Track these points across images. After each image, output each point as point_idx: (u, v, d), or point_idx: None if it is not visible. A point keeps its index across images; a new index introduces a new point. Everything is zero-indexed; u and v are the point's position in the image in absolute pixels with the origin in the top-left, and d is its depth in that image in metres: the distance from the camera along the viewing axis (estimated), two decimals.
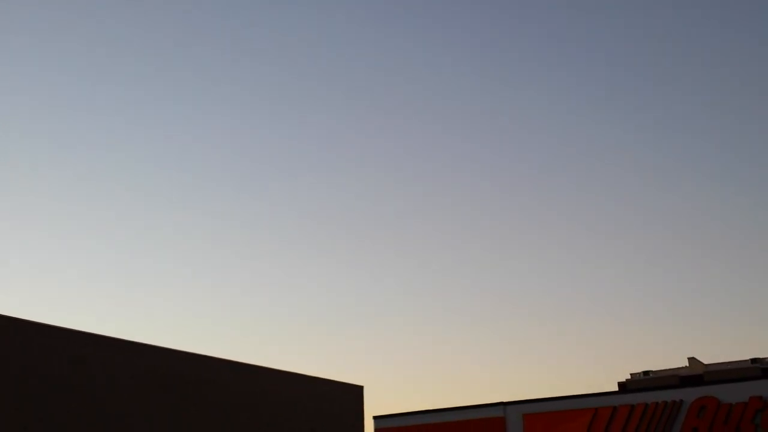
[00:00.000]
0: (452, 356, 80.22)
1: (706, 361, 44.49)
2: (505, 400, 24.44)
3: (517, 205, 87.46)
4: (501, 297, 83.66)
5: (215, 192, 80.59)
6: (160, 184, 77.39)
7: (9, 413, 25.45)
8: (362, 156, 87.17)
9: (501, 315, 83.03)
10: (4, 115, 65.13)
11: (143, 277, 72.18)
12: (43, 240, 68.49)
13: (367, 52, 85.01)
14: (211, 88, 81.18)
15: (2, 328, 25.62)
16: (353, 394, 43.04)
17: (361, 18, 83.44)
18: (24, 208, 69.14)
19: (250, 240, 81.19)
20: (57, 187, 70.45)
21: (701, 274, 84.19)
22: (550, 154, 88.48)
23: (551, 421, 23.39)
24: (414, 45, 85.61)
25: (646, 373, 47.44)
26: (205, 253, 77.34)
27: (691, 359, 45.20)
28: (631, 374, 47.45)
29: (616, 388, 42.00)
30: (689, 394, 21.62)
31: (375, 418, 26.47)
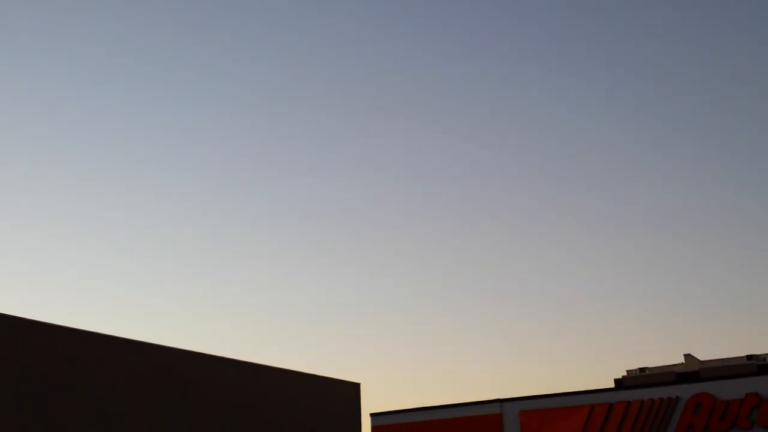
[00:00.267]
0: (449, 354, 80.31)
1: (702, 358, 44.56)
2: (501, 397, 24.49)
3: (515, 204, 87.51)
4: (498, 295, 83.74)
5: (215, 192, 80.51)
6: (160, 184, 77.32)
7: (9, 413, 25.38)
8: (362, 156, 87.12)
9: (498, 313, 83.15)
10: (4, 115, 65.02)
11: (143, 277, 72.13)
12: (43, 240, 68.37)
13: (367, 52, 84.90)
14: (212, 88, 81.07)
15: (2, 327, 25.58)
16: (351, 391, 43.14)
17: (361, 18, 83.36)
18: (24, 208, 69.03)
19: (247, 240, 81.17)
20: (57, 187, 70.35)
21: (697, 272, 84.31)
22: (547, 152, 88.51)
23: (548, 417, 23.45)
24: (414, 45, 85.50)
25: (642, 369, 47.51)
26: (204, 252, 77.29)
27: (687, 356, 45.26)
28: (627, 371, 47.50)
29: (612, 385, 42.12)
30: (685, 391, 21.68)
31: (372, 415, 26.51)
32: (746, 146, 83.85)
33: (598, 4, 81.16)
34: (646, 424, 21.72)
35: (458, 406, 25.11)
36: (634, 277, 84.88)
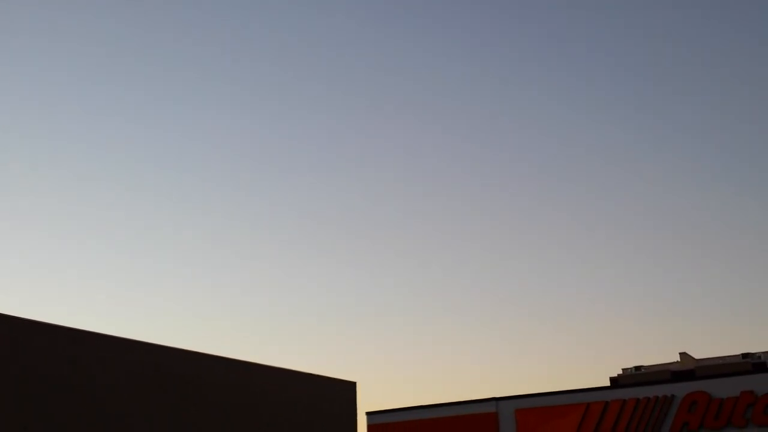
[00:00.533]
0: (445, 353, 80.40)
1: (697, 357, 44.77)
2: (497, 396, 24.54)
3: (512, 204, 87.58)
4: (494, 295, 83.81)
5: (215, 192, 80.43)
6: (160, 184, 77.27)
7: (9, 413, 25.30)
8: (362, 156, 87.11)
9: (494, 312, 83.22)
10: (4, 115, 64.91)
11: (143, 277, 72.15)
12: (43, 240, 68.35)
13: (367, 52, 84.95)
14: (211, 88, 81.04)
15: (2, 327, 25.55)
16: (347, 390, 43.18)
17: (360, 18, 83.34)
18: (24, 208, 68.93)
19: (244, 240, 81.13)
20: (57, 187, 70.28)
21: (692, 271, 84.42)
22: (546, 153, 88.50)
23: (543, 416, 23.49)
24: (414, 45, 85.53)
25: (637, 368, 47.75)
26: (201, 252, 77.25)
27: (683, 354, 45.50)
28: (622, 369, 47.76)
29: (608, 383, 42.14)
30: (680, 389, 21.74)
31: (368, 413, 26.57)
32: (744, 147, 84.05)
33: (599, 5, 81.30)
34: (641, 423, 21.77)
35: (454, 405, 25.14)
36: (629, 277, 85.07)
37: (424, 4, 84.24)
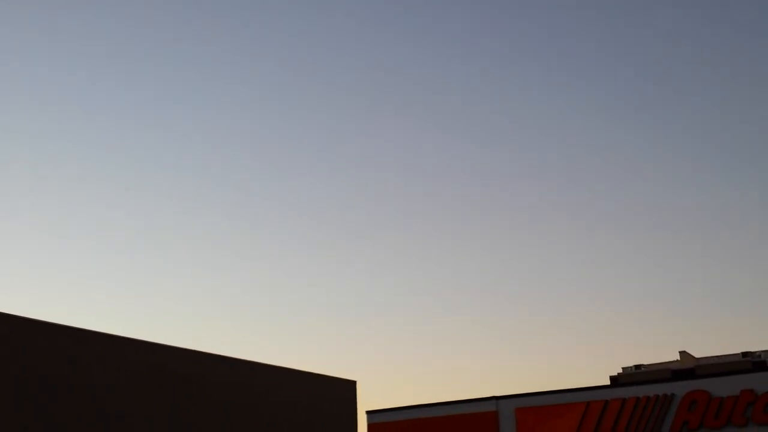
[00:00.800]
0: (445, 351, 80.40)
1: (697, 355, 44.74)
2: (497, 395, 24.54)
3: (512, 204, 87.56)
4: (494, 293, 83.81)
5: (214, 192, 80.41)
6: (160, 184, 77.27)
7: (9, 413, 25.25)
8: (360, 156, 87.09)
9: (494, 311, 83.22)
10: (5, 115, 64.88)
11: (143, 276, 72.15)
12: (44, 239, 68.36)
13: (368, 52, 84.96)
14: (212, 88, 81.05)
15: (2, 326, 25.49)
16: (347, 389, 43.14)
17: (362, 18, 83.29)
18: (24, 208, 68.93)
19: (244, 240, 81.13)
20: (57, 187, 70.29)
21: (692, 270, 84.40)
22: (546, 153, 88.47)
23: (543, 415, 23.48)
24: (415, 46, 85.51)
25: (637, 366, 47.74)
26: (202, 252, 77.25)
27: (683, 353, 45.49)
28: (622, 368, 47.74)
29: (608, 382, 42.11)
30: (680, 388, 21.72)
31: (368, 412, 26.53)
32: (745, 146, 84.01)
33: (599, 4, 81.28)
34: (641, 422, 21.77)
35: (454, 404, 25.14)
36: (629, 276, 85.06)
37: (424, 3, 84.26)
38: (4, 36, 64.09)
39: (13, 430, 24.95)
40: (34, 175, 69.11)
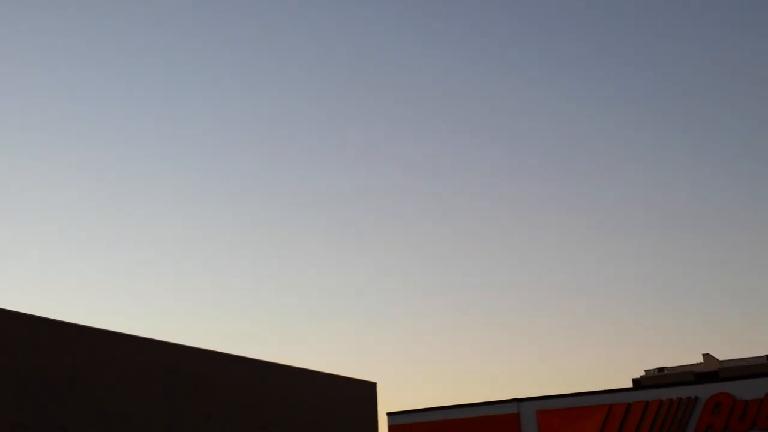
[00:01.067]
0: (466, 353, 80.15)
1: (721, 358, 44.28)
2: (519, 397, 24.39)
3: (530, 204, 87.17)
4: (515, 294, 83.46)
5: (231, 190, 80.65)
6: (178, 182, 77.54)
7: (16, 412, 25.32)
8: (382, 153, 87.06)
9: (515, 312, 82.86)
10: (6, 113, 65.41)
11: (160, 275, 72.46)
12: (55, 238, 68.79)
13: (375, 51, 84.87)
14: (216, 84, 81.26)
15: (15, 324, 25.56)
16: (367, 390, 43.03)
17: (365, 15, 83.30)
18: (38, 206, 69.44)
19: (265, 239, 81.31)
20: (72, 185, 70.72)
21: (716, 271, 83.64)
22: (566, 152, 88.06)
23: (565, 417, 23.32)
24: (424, 45, 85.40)
25: (660, 369, 47.31)
26: (222, 251, 77.48)
27: (706, 356, 45.04)
28: (645, 371, 47.35)
29: (631, 385, 41.72)
30: (704, 391, 21.49)
31: (389, 414, 26.46)
32: (766, 145, 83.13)
33: (604, 4, 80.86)
34: (664, 425, 21.54)
35: (475, 406, 25.01)
36: (652, 278, 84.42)
37: (425, 4, 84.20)
38: (4, 36, 64.56)
39: (16, 429, 25.03)
40: (49, 173, 69.59)
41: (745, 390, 20.94)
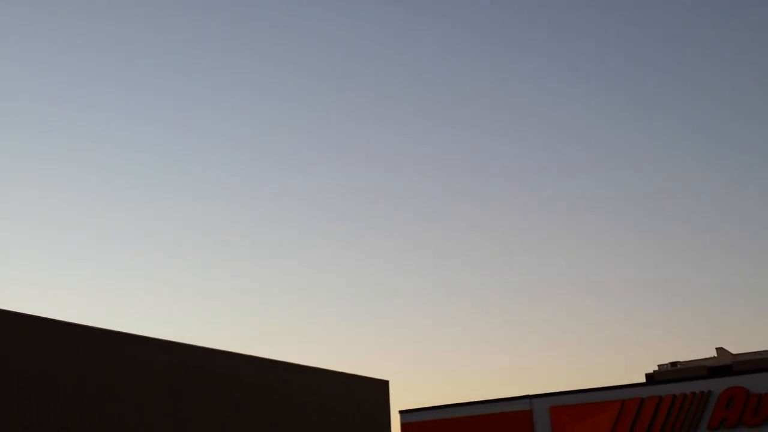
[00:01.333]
0: (477, 350, 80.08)
1: (734, 351, 44.07)
2: (531, 393, 24.34)
3: (539, 198, 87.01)
4: (527, 290, 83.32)
5: (244, 190, 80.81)
6: (195, 183, 77.70)
7: (43, 414, 25.44)
8: (392, 149, 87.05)
9: (526, 308, 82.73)
10: (6, 113, 65.58)
11: (175, 277, 72.64)
12: (69, 240, 69.03)
13: (382, 51, 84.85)
14: (220, 81, 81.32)
15: (31, 328, 25.67)
16: (379, 388, 43.04)
17: (372, 11, 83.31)
18: (54, 208, 69.71)
19: (275, 237, 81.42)
20: (72, 186, 70.90)
21: (729, 264, 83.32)
22: (577, 147, 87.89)
23: (578, 413, 23.26)
24: (432, 43, 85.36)
25: (673, 364, 47.12)
26: (232, 252, 77.59)
27: (719, 349, 44.84)
28: (658, 365, 47.16)
29: (644, 380, 41.60)
30: (718, 385, 21.39)
31: (401, 412, 26.44)
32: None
33: (608, 4, 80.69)
34: (678, 420, 21.46)
35: (488, 403, 24.97)
36: (664, 271, 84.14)
37: (429, 4, 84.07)
38: (4, 35, 64.72)
39: (16, 429, 25.13)
40: (40, 174, 69.78)
41: (759, 383, 20.85)
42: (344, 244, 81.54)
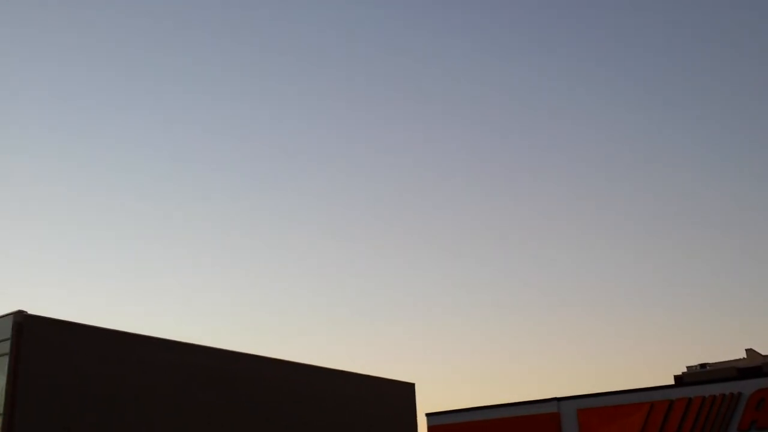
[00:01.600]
0: (505, 352, 79.78)
1: (764, 353, 43.59)
2: (559, 396, 24.23)
3: (567, 201, 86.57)
4: (555, 292, 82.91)
5: (265, 192, 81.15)
6: (195, 183, 78.08)
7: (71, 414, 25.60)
8: (422, 153, 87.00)
9: (554, 310, 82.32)
10: (7, 112, 66.22)
11: (203, 282, 73.06)
12: (90, 246, 69.65)
13: (386, 50, 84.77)
14: (212, 84, 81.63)
15: (64, 333, 25.90)
16: (406, 391, 43.01)
17: (367, 17, 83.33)
18: (72, 214, 70.41)
19: (302, 238, 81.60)
20: (82, 187, 71.47)
21: (758, 266, 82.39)
22: (601, 144, 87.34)
23: (606, 415, 23.11)
24: (436, 41, 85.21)
25: (702, 365, 46.76)
26: (258, 257, 77.96)
27: (749, 351, 44.44)
28: (687, 367, 46.82)
29: (673, 382, 41.24)
30: (748, 387, 21.17)
31: (428, 415, 26.44)
32: None
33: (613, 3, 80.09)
34: (707, 421, 21.27)
35: (515, 405, 24.89)
36: (694, 273, 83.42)
37: (431, 3, 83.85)
38: (5, 35, 65.32)
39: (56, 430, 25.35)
40: (44, 174, 70.33)
41: None
42: (372, 247, 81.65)
